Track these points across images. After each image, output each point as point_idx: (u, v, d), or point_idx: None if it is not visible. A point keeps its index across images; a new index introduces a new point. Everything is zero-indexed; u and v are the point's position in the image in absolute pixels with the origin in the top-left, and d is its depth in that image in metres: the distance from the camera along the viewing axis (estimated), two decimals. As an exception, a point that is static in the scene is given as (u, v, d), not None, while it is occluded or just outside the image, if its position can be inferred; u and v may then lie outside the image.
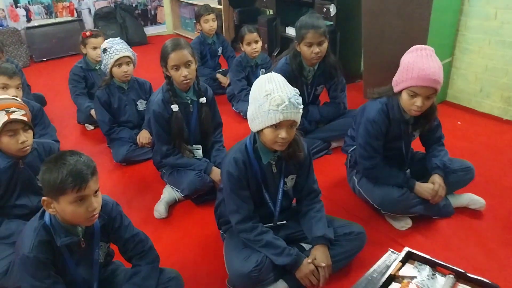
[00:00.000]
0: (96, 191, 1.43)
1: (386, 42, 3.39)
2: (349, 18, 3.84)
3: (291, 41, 2.77)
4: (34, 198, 1.98)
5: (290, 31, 4.34)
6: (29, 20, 5.36)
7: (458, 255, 1.96)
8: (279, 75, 1.72)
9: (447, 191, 2.14)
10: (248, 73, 3.60)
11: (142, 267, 1.63)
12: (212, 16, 3.92)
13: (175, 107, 2.33)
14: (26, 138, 1.85)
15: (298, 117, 1.66)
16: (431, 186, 2.11)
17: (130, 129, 2.99)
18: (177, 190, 2.42)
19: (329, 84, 2.89)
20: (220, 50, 4.14)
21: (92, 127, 3.41)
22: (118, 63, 2.79)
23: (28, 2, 5.30)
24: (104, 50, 2.79)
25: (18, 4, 5.25)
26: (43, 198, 1.41)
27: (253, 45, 3.48)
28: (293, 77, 2.71)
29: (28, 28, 5.29)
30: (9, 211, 1.98)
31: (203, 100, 2.42)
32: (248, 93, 1.79)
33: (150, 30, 6.18)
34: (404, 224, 2.15)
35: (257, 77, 3.50)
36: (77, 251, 1.53)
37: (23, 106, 1.88)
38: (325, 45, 2.63)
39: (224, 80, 3.96)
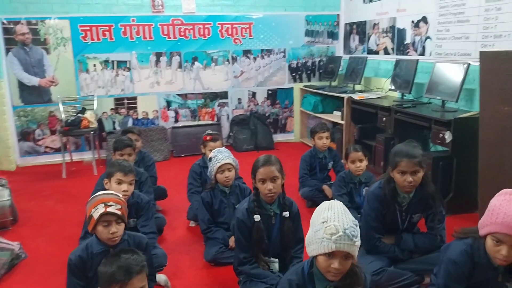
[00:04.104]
0: None
1: (505, 174, 3.12)
2: (466, 146, 3.66)
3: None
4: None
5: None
6: (176, 121, 6.25)
7: None
8: (341, 203, 1.75)
9: None
10: (351, 189, 3.60)
11: None
12: (326, 134, 4.11)
13: (257, 218, 2.45)
14: (117, 230, 2.10)
15: (353, 250, 1.64)
16: None
17: (225, 230, 3.17)
18: (248, 300, 2.45)
19: (427, 213, 2.74)
20: (330, 164, 4.24)
21: (194, 224, 3.68)
22: (221, 169, 3.07)
23: (178, 105, 6.23)
24: (210, 159, 3.12)
25: (170, 107, 6.20)
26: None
27: (357, 163, 3.52)
28: (386, 202, 2.66)
29: (174, 127, 6.16)
30: (96, 293, 2.24)
31: (286, 214, 2.49)
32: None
33: (278, 137, 6.64)
34: None
35: (359, 195, 3.54)
36: None
37: (121, 201, 2.17)
38: (420, 174, 2.55)
39: (329, 192, 4.00)
